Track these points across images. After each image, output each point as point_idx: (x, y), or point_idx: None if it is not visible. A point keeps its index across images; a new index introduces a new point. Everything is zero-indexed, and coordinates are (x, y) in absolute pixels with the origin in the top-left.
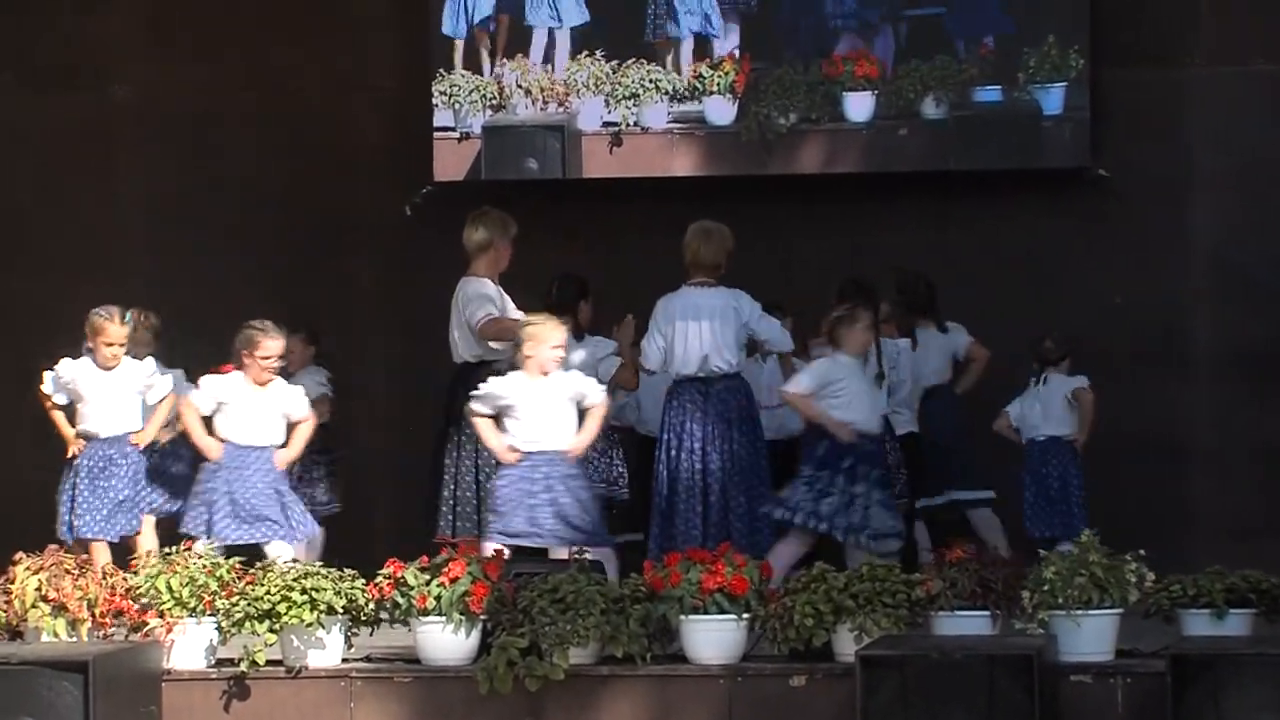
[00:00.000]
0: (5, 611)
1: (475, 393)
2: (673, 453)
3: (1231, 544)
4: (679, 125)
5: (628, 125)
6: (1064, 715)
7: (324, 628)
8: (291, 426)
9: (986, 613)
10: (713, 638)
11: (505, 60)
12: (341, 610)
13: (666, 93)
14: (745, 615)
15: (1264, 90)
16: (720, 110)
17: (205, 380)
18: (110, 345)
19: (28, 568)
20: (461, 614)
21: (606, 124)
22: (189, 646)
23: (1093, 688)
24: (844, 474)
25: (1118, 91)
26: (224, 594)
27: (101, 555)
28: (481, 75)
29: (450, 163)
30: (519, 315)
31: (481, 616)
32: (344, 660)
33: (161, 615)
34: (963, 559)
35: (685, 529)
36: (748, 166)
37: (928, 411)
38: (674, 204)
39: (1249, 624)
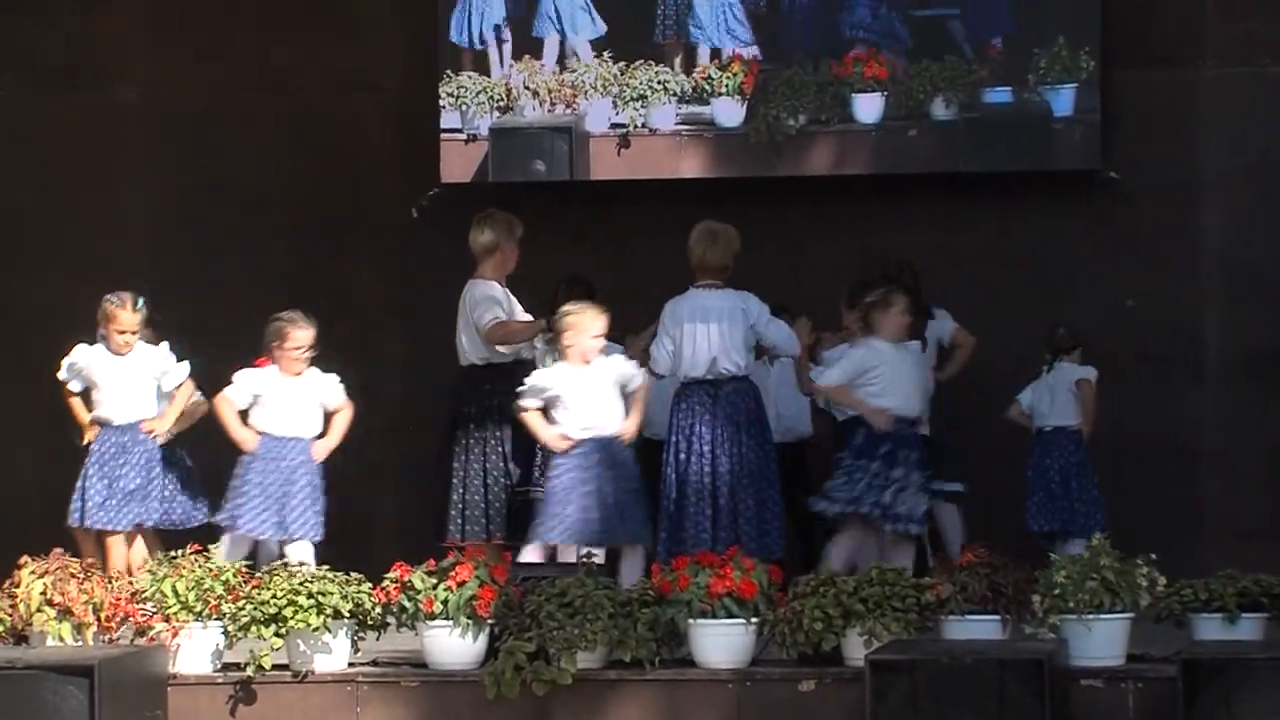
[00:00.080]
0: (10, 615)
1: (521, 388)
2: (681, 456)
3: (1240, 545)
4: (687, 127)
5: (636, 127)
6: None
7: (330, 632)
8: (329, 416)
9: (997, 617)
10: (721, 642)
11: (513, 62)
12: (348, 614)
13: (675, 94)
14: (754, 619)
15: (1274, 92)
16: (729, 112)
17: (240, 375)
18: (123, 333)
19: (33, 571)
20: (469, 618)
21: (614, 125)
22: (195, 650)
23: (1104, 692)
24: (881, 459)
25: (1128, 93)
26: (230, 598)
27: (117, 548)
28: (488, 77)
29: (457, 164)
30: (527, 317)
31: (489, 620)
32: (350, 664)
33: (167, 619)
34: (973, 563)
35: (694, 532)
36: (756, 168)
37: None
38: (682, 205)
39: (1261, 628)
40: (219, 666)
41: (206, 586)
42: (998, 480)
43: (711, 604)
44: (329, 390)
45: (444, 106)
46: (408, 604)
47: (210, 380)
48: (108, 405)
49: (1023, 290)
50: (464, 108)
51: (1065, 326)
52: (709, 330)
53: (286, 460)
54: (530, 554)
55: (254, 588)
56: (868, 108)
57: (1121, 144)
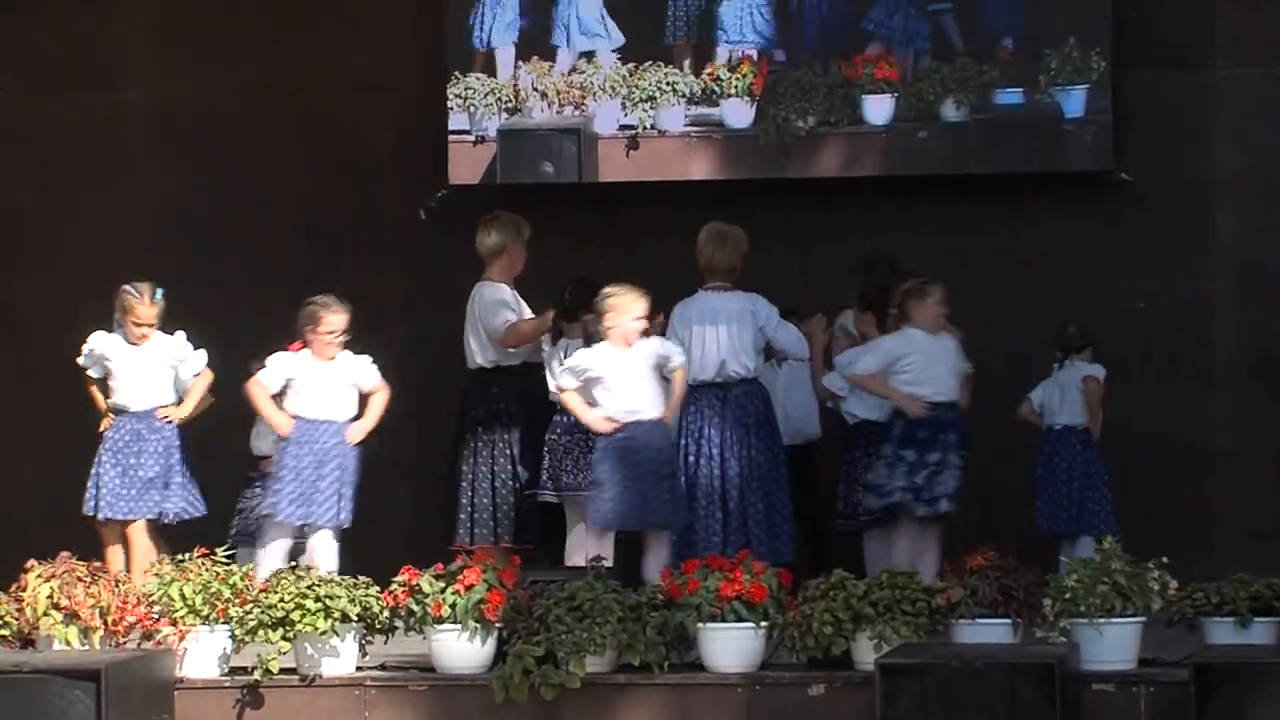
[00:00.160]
0: (17, 619)
1: (561, 367)
2: (690, 459)
3: (1252, 547)
4: (696, 128)
5: (644, 128)
6: None
7: (338, 635)
8: (364, 398)
9: (1008, 620)
10: (731, 646)
11: (521, 63)
12: (356, 618)
13: (684, 96)
14: (763, 623)
15: None
16: (738, 113)
17: (273, 359)
18: (140, 324)
19: (39, 574)
20: (477, 622)
21: (623, 127)
22: (202, 654)
23: (1115, 697)
24: (917, 446)
25: (1139, 94)
26: (237, 601)
27: (140, 537)
28: (496, 78)
29: (465, 166)
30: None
31: (497, 624)
32: (358, 668)
33: (174, 623)
34: (983, 566)
35: (703, 535)
36: (766, 170)
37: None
38: (691, 207)
39: (1273, 632)
40: (226, 670)
41: (214, 590)
42: (1004, 480)
43: (721, 607)
44: (363, 372)
45: (452, 108)
46: (416, 607)
47: (213, 381)
48: (124, 393)
49: (1034, 292)
50: (472, 109)
51: (1075, 325)
52: (717, 333)
53: (319, 443)
54: (578, 542)
55: (261, 591)
56: (878, 109)
57: (1133, 145)
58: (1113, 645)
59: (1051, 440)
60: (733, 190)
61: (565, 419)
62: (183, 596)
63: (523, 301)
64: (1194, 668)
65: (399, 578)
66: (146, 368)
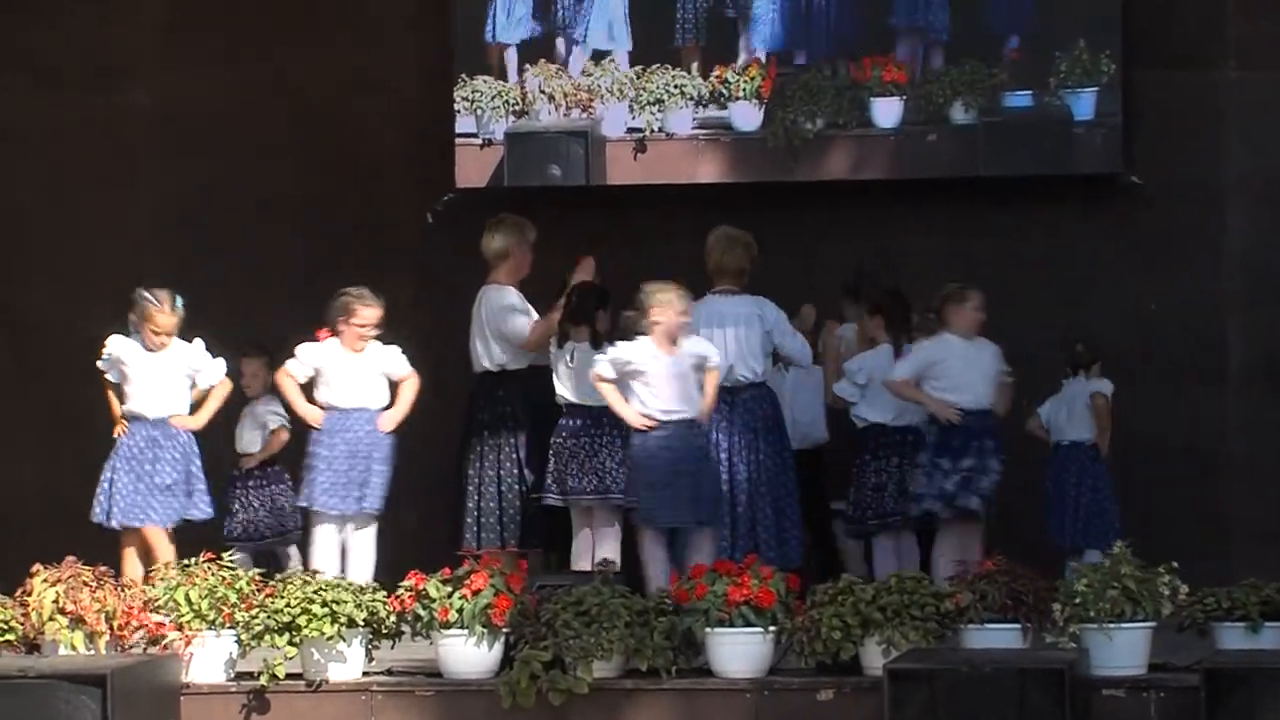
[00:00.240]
0: (22, 624)
1: (601, 356)
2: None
3: (1263, 550)
4: (704, 131)
5: (652, 131)
6: None
7: (344, 640)
8: (393, 387)
9: (1017, 625)
10: (739, 650)
11: (528, 66)
12: (362, 623)
13: (692, 98)
14: (772, 628)
15: None
16: (746, 116)
17: (301, 348)
18: (159, 333)
19: (45, 579)
20: (484, 627)
21: (631, 130)
22: (208, 659)
23: (1126, 702)
24: (951, 455)
25: (1149, 96)
26: (243, 606)
27: (161, 541)
28: (505, 76)
29: (472, 169)
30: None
31: (504, 629)
32: (365, 673)
33: (180, 628)
34: (993, 571)
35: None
36: (774, 172)
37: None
38: (699, 210)
39: None
40: (232, 675)
41: (220, 595)
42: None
43: (729, 612)
44: (392, 361)
45: (459, 111)
46: (422, 612)
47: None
48: (139, 399)
49: (1043, 295)
50: (479, 112)
51: (1083, 341)
52: (725, 336)
53: (353, 432)
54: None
55: (267, 596)
56: (886, 112)
57: (1143, 147)
58: (1123, 650)
59: (1060, 456)
60: (740, 193)
61: (570, 422)
62: (189, 601)
63: (529, 305)
64: (1204, 673)
65: (405, 582)
66: (163, 375)
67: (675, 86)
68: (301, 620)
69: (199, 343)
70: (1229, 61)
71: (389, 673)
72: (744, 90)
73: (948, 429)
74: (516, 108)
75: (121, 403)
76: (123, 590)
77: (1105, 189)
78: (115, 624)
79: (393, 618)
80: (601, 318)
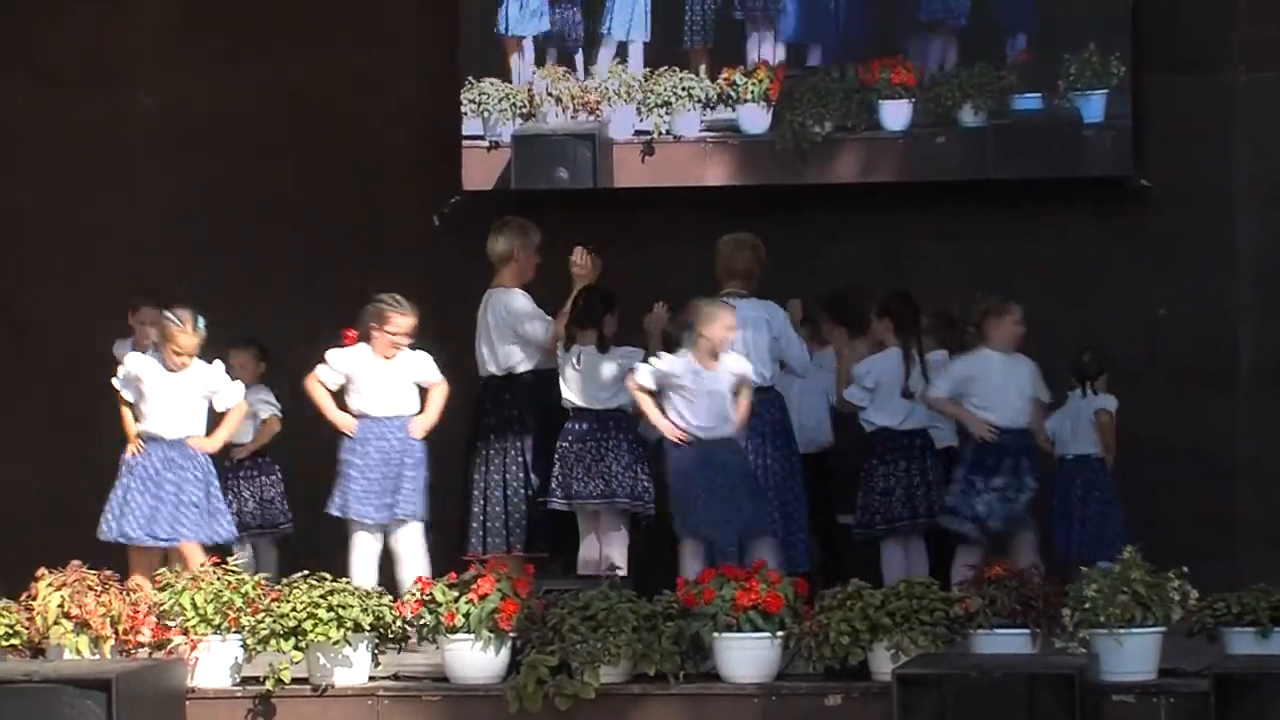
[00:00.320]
0: (27, 628)
1: (642, 365)
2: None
3: (1273, 554)
4: (712, 133)
5: (660, 133)
6: None
7: (351, 645)
8: (422, 392)
9: (1026, 631)
10: (747, 656)
11: (536, 68)
12: (368, 627)
13: (700, 100)
14: (780, 633)
15: None
16: (754, 118)
17: (332, 354)
18: (180, 354)
19: (50, 584)
20: (490, 631)
21: (638, 132)
22: (213, 664)
23: (1136, 707)
24: (984, 473)
25: (1159, 99)
26: (249, 611)
27: (195, 556)
28: (512, 71)
29: (479, 172)
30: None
31: (511, 634)
32: (371, 678)
33: (186, 632)
34: (1002, 576)
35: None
36: (782, 175)
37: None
38: (707, 213)
39: None
40: (238, 680)
41: (225, 599)
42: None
43: (737, 617)
44: (423, 368)
45: (466, 113)
46: (429, 617)
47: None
48: (155, 419)
49: (1052, 298)
50: (486, 114)
51: (1090, 350)
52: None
53: (389, 440)
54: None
55: (273, 600)
56: (895, 114)
57: (1153, 150)
58: (1132, 655)
59: (1065, 469)
60: (749, 195)
61: (577, 426)
62: (194, 605)
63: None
64: (1214, 678)
65: (412, 587)
66: (182, 395)
67: (683, 89)
68: (307, 625)
69: (219, 364)
70: (1238, 64)
71: (395, 677)
72: (752, 93)
73: (983, 445)
74: (524, 110)
75: (136, 421)
76: (128, 594)
77: (1114, 192)
78: (120, 628)
79: (399, 622)
80: (608, 321)
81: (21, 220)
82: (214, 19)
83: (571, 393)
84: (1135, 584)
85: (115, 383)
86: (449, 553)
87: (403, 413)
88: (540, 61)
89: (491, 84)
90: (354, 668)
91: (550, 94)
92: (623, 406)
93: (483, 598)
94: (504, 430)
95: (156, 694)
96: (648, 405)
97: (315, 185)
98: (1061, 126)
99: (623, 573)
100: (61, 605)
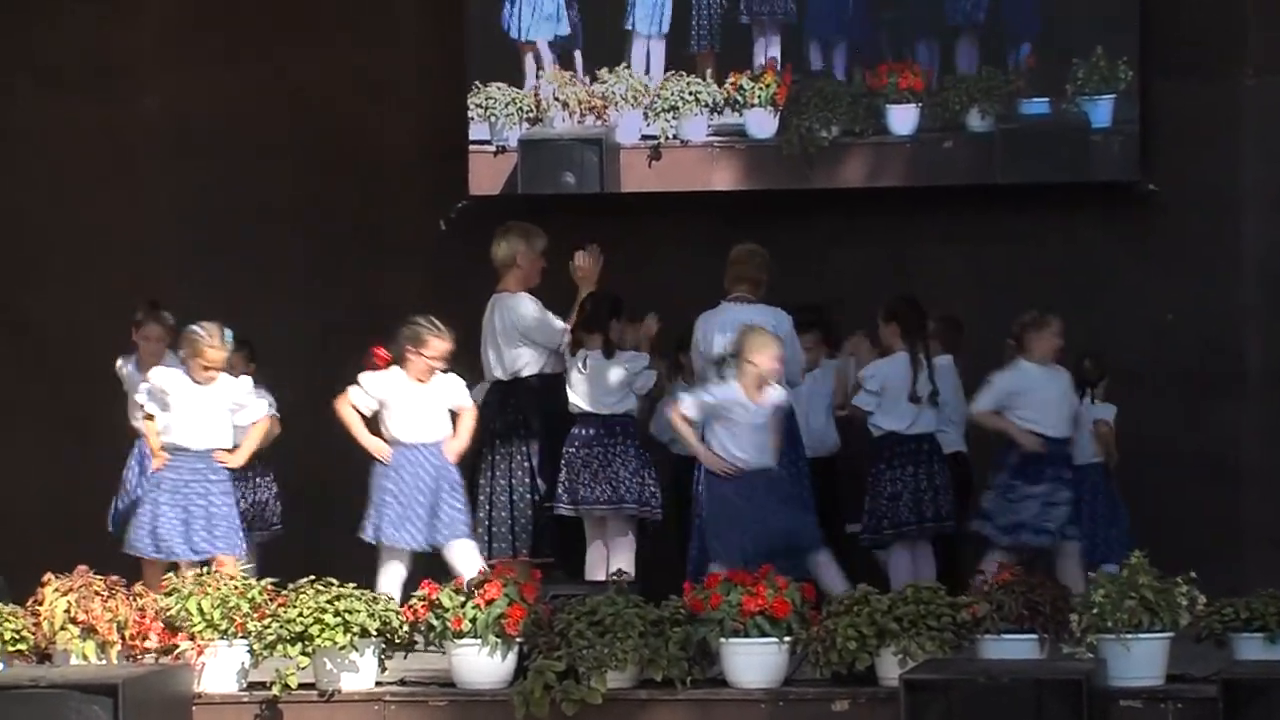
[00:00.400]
0: (34, 633)
1: (687, 395)
2: (713, 473)
3: (1278, 557)
4: (719, 138)
5: (667, 138)
6: None
7: (357, 650)
8: (454, 416)
9: (1034, 636)
10: (754, 661)
11: (542, 72)
12: (375, 633)
13: (706, 105)
14: (787, 638)
15: None
16: (761, 123)
17: (365, 378)
18: (209, 367)
19: (57, 589)
20: (497, 636)
21: (645, 137)
22: (220, 669)
23: (1143, 713)
24: (1025, 479)
25: (1167, 103)
26: (256, 616)
27: (230, 566)
28: (523, 88)
29: (486, 176)
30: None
31: (518, 639)
32: (378, 683)
33: (192, 637)
34: (1010, 581)
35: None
36: (789, 180)
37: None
38: (713, 218)
39: None
40: (244, 685)
41: (232, 604)
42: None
43: (744, 623)
44: (457, 392)
45: (472, 118)
46: (435, 622)
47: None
48: (183, 431)
49: (1059, 303)
50: (492, 119)
51: (1090, 356)
52: None
53: (425, 466)
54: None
55: (280, 606)
56: (902, 119)
57: (1160, 155)
58: (1140, 661)
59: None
60: (755, 200)
61: (583, 431)
62: (201, 611)
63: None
64: (1222, 684)
65: (419, 592)
66: (209, 408)
67: (690, 93)
68: (314, 630)
69: (246, 379)
70: (1246, 69)
71: (402, 683)
72: (759, 97)
73: (1028, 455)
74: (530, 115)
75: (161, 434)
76: (134, 599)
77: (1122, 196)
78: (127, 633)
79: (406, 627)
80: (614, 326)
81: (22, 220)
82: (214, 19)
83: (578, 397)
84: (1143, 589)
85: (139, 398)
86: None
87: (438, 438)
88: (567, 65)
89: (498, 88)
90: (360, 673)
91: (557, 98)
92: (629, 411)
93: (489, 603)
94: (510, 435)
95: (163, 699)
96: (691, 437)
97: (315, 186)
98: (1069, 131)
99: (629, 578)
100: (68, 610)
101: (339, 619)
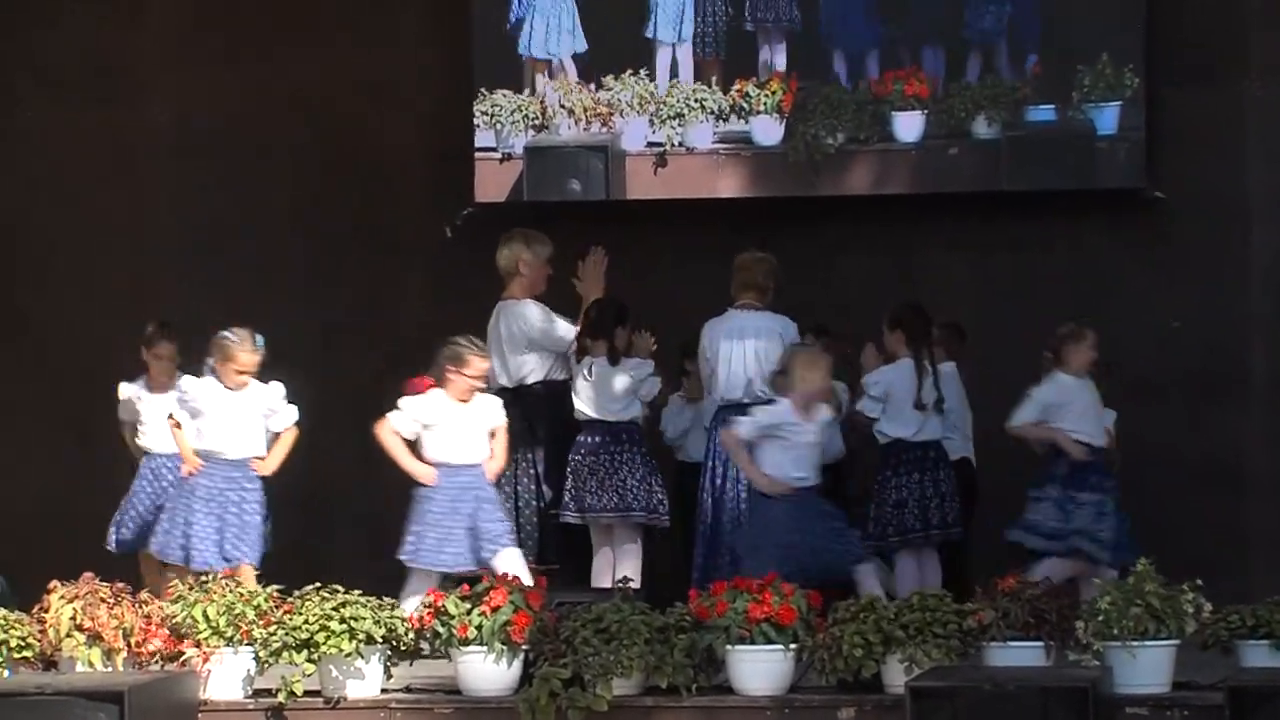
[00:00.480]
0: (40, 641)
1: (741, 417)
2: (717, 481)
3: None
4: (725, 145)
5: (672, 145)
6: None
7: (363, 657)
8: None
9: (1040, 643)
10: (760, 668)
11: (549, 79)
12: (381, 640)
13: (712, 112)
14: (793, 645)
15: None
16: (767, 130)
17: (406, 402)
18: (241, 372)
19: (62, 596)
20: (503, 644)
21: (651, 144)
22: (226, 676)
23: None
24: (1074, 486)
25: (1173, 110)
26: (261, 623)
27: (251, 577)
28: (524, 95)
29: (491, 184)
30: None
31: (523, 646)
32: (383, 691)
33: (198, 644)
34: (1015, 588)
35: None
36: (795, 187)
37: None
38: (719, 225)
39: None
40: (250, 692)
41: (238, 612)
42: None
43: (749, 629)
44: (495, 412)
45: (478, 125)
46: (441, 629)
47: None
48: (217, 438)
49: (1066, 310)
50: (498, 126)
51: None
52: (745, 350)
53: (467, 489)
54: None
55: (285, 613)
56: (908, 126)
57: (1166, 162)
58: (1146, 668)
59: None
60: (761, 208)
61: (589, 439)
62: (206, 618)
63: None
64: (1229, 691)
65: (424, 599)
66: (242, 415)
67: (696, 101)
68: (320, 637)
69: (278, 385)
70: (1252, 76)
71: (408, 690)
72: (765, 104)
73: (1076, 465)
74: (536, 122)
75: (193, 441)
76: (140, 606)
77: (1128, 204)
78: (133, 640)
79: (411, 634)
80: (620, 334)
81: (22, 220)
82: (215, 20)
83: (584, 405)
84: (1149, 596)
85: (173, 410)
86: None
87: (478, 459)
88: (589, 78)
89: (504, 95)
90: (366, 680)
91: (562, 106)
92: (635, 419)
93: (495, 610)
94: (515, 442)
95: (169, 706)
96: (743, 457)
97: (315, 186)
98: (1075, 138)
99: (635, 585)
100: (74, 617)
101: (344, 626)
